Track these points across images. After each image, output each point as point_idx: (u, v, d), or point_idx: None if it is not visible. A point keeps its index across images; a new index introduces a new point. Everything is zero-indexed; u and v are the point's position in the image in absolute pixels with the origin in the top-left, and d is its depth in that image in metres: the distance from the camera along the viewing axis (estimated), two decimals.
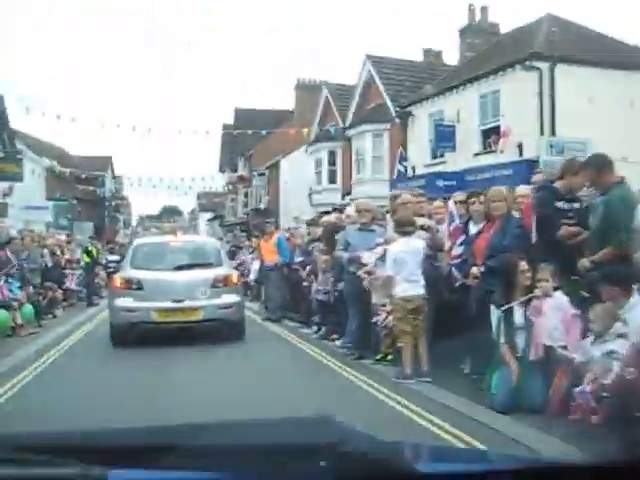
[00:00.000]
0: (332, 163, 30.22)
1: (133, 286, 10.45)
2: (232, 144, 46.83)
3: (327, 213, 19.65)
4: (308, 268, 12.75)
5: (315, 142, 30.86)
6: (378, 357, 8.30)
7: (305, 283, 12.88)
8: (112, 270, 18.78)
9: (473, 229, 6.88)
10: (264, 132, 31.22)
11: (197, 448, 1.22)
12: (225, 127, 42.27)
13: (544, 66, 17.99)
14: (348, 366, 8.51)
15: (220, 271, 10.93)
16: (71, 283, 18.68)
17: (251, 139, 40.50)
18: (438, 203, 8.53)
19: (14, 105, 25.40)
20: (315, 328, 11.55)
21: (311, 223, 12.57)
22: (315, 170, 30.83)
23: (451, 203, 7.32)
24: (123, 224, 69.03)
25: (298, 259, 13.41)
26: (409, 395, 6.68)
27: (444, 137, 21.43)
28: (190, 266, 10.91)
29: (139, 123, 68.54)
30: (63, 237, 21.39)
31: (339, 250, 8.95)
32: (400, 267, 7.20)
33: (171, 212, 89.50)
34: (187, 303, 10.28)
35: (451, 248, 7.21)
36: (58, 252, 18.27)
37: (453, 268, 7.20)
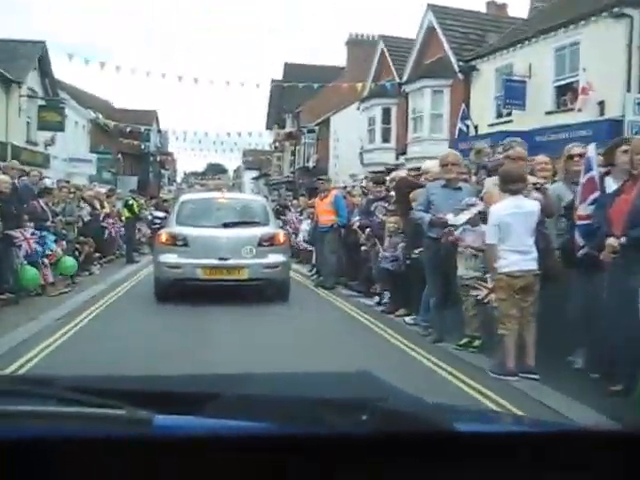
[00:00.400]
0: (386, 121, 28.54)
1: (179, 242, 10.29)
2: (280, 100, 45.52)
3: (380, 173, 18.35)
4: (368, 230, 11.42)
5: (369, 98, 29.14)
6: (462, 342, 6.86)
7: (364, 247, 11.54)
8: (158, 226, 17.90)
9: (613, 186, 5.35)
10: (316, 85, 29.52)
11: (240, 398, 1.20)
12: (274, 82, 40.80)
13: (635, 13, 16.02)
14: (423, 349, 7.15)
15: (267, 230, 10.69)
16: (110, 234, 17.66)
17: (300, 95, 39.32)
18: (542, 158, 6.99)
19: (57, 54, 24.36)
20: (377, 299, 10.20)
21: (376, 180, 11.06)
22: (368, 128, 29.19)
23: (591, 148, 5.73)
24: (167, 180, 68.38)
25: (355, 219, 12.02)
26: (514, 397, 5.21)
27: (514, 93, 19.60)
28: (236, 224, 10.67)
29: (186, 74, 66.86)
30: (103, 190, 20.14)
31: (418, 210, 7.46)
32: (506, 234, 5.72)
33: (216, 169, 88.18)
34: (232, 261, 10.09)
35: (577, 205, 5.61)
36: (97, 205, 17.15)
37: (576, 232, 5.63)
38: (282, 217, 19.69)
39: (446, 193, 7.18)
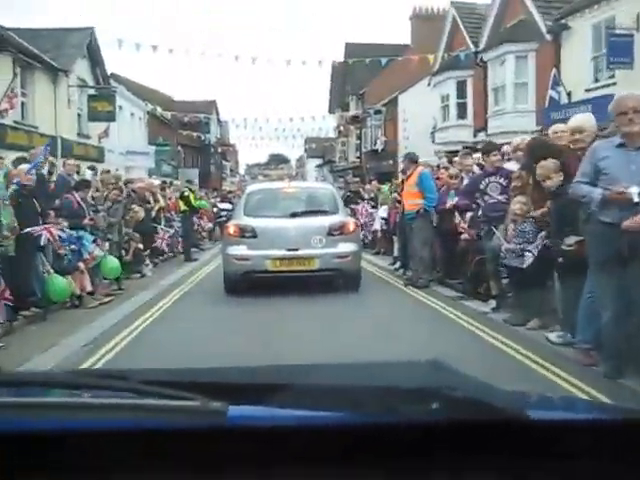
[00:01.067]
0: (461, 95, 25.95)
1: (247, 234, 10.14)
2: (343, 82, 43.49)
3: (455, 152, 16.06)
4: (469, 215, 9.19)
5: (441, 72, 26.52)
6: None
7: (465, 236, 9.31)
8: (224, 218, 16.99)
9: None
10: (384, 61, 27.03)
11: (311, 388, 1.20)
12: (336, 63, 38.54)
13: None
14: (592, 386, 4.86)
15: (336, 218, 10.39)
16: (161, 243, 15.46)
17: (363, 76, 37.40)
18: None
19: (107, 43, 22.84)
20: (493, 304, 7.91)
21: (486, 150, 8.60)
22: (441, 104, 26.66)
23: None
24: (229, 172, 67.09)
25: (454, 200, 9.72)
26: None
27: (619, 50, 16.81)
28: (305, 213, 10.42)
29: (242, 54, 64.45)
30: (156, 182, 18.02)
31: (579, 182, 5.11)
32: None
33: (278, 159, 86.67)
34: (302, 252, 9.91)
35: None
36: (150, 199, 15.20)
37: None
38: (352, 206, 17.42)
39: (625, 156, 4.76)
